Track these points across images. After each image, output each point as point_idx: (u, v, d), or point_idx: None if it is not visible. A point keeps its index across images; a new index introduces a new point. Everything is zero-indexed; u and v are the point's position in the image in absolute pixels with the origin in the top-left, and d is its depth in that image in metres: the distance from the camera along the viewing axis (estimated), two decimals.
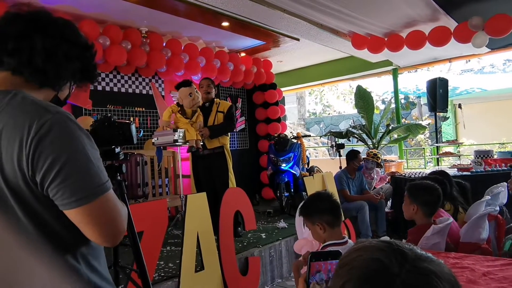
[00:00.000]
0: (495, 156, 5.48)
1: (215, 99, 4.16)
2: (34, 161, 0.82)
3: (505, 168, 4.66)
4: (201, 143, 4.00)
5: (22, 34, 0.92)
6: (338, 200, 2.09)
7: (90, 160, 0.87)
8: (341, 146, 6.01)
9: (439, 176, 3.09)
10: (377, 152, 5.49)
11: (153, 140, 3.96)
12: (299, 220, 3.06)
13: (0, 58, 0.92)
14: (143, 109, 5.20)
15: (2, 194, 0.84)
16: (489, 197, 2.91)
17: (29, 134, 0.82)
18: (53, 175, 0.82)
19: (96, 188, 0.86)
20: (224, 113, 4.07)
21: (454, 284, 0.56)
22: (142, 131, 5.11)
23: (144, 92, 5.26)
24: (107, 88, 4.87)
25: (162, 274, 2.89)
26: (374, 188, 5.29)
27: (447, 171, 3.84)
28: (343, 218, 2.12)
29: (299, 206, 2.22)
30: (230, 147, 4.27)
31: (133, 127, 1.61)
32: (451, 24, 4.78)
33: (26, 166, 0.82)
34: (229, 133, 4.21)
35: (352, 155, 4.95)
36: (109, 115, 1.61)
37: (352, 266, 0.59)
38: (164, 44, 5.00)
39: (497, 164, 4.92)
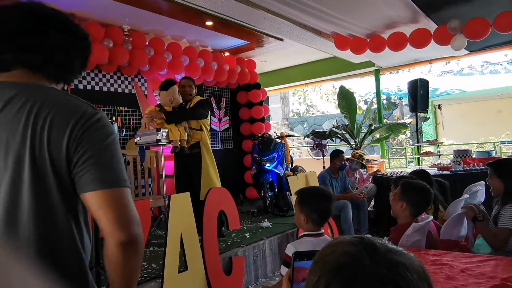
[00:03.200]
0: (474, 156, 5.61)
1: (193, 98, 4.03)
2: (77, 145, 0.89)
3: (483, 167, 4.78)
4: (186, 143, 3.95)
5: (37, 30, 0.94)
6: (333, 207, 2.07)
7: (121, 157, 0.96)
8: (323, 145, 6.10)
9: (419, 175, 3.15)
10: (362, 154, 5.58)
11: (135, 140, 3.90)
12: None
13: (13, 54, 0.92)
14: (126, 108, 5.13)
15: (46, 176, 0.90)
16: (468, 196, 2.99)
17: (77, 123, 0.90)
18: (89, 155, 0.89)
19: (122, 179, 0.92)
20: None
21: (422, 275, 0.58)
22: (124, 131, 5.04)
23: (126, 91, 5.19)
24: (88, 87, 4.78)
25: (145, 275, 2.86)
26: (357, 188, 5.36)
27: (427, 170, 3.92)
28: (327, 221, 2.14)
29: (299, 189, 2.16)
30: (213, 146, 4.21)
31: (114, 127, 1.58)
32: (431, 26, 4.88)
33: (69, 150, 0.89)
34: (204, 128, 3.97)
35: (334, 154, 5.02)
36: None
37: (325, 261, 0.61)
38: (147, 43, 4.94)
39: (475, 164, 5.05)
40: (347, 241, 0.63)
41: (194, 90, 4.06)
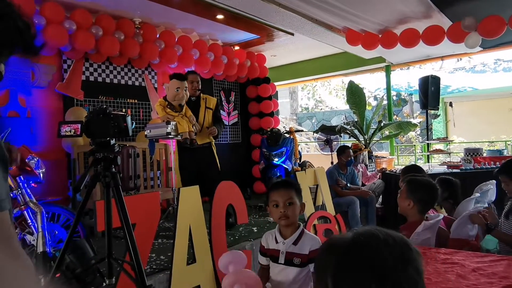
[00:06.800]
0: (485, 154, 5.54)
1: (201, 94, 4.21)
2: None
3: (494, 166, 4.73)
4: (194, 135, 3.99)
5: None
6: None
7: None
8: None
9: (414, 170, 3.15)
10: (361, 146, 5.60)
11: (145, 133, 3.92)
12: None
13: None
14: (136, 101, 5.15)
15: None
16: (478, 195, 2.96)
17: None
18: None
19: None
20: (213, 110, 4.18)
21: (400, 242, 0.75)
22: (134, 123, 5.06)
23: (136, 83, 5.21)
24: (99, 79, 4.81)
25: (154, 267, 2.89)
26: (364, 184, 5.34)
27: (437, 168, 3.88)
28: None
29: None
30: (222, 140, 4.29)
31: (129, 119, 1.59)
32: (445, 22, 4.81)
33: None
34: None
35: (341, 150, 5.02)
36: (104, 106, 1.59)
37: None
38: (157, 36, 4.94)
39: (486, 162, 4.99)
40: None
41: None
